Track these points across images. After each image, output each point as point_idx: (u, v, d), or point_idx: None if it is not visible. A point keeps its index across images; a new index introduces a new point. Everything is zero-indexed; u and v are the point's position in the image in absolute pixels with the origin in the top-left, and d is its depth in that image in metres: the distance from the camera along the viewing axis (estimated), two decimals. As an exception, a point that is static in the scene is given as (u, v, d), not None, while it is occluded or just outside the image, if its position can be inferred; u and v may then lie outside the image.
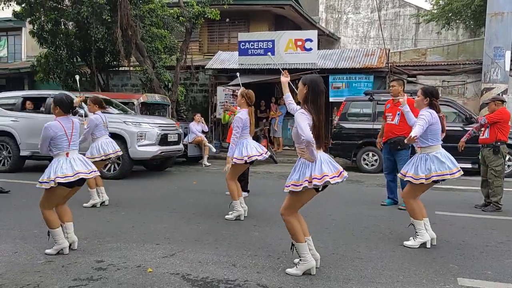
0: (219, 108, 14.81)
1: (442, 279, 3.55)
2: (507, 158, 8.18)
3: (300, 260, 3.64)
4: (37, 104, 10.28)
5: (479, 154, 6.56)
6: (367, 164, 10.33)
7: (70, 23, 14.79)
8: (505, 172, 6.86)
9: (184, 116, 15.06)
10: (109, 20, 12.48)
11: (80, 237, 4.52)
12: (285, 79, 4.02)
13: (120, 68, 16.29)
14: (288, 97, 4.02)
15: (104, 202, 6.35)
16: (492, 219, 5.69)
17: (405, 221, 5.19)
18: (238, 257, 4.03)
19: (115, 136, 8.03)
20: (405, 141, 4.62)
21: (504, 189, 6.31)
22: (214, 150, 12.04)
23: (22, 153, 9.69)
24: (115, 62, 15.81)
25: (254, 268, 3.77)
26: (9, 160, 9.83)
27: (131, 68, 14.92)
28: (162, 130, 9.42)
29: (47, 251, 4.13)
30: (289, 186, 3.57)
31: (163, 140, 9.35)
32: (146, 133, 9.09)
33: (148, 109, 12.35)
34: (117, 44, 12.78)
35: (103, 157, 6.21)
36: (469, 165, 9.57)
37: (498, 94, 11.21)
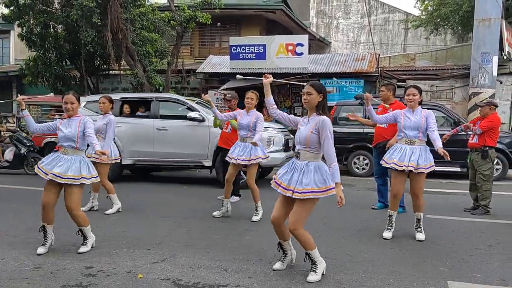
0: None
1: (432, 282, 3.57)
2: (495, 162, 8.26)
3: (316, 264, 3.63)
4: (134, 108, 9.67)
5: (468, 158, 6.62)
6: (358, 168, 10.38)
7: (59, 26, 14.67)
8: (493, 176, 6.92)
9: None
10: (99, 23, 12.41)
11: (69, 243, 4.49)
12: (267, 80, 4.00)
13: (110, 72, 16.19)
14: (270, 100, 4.01)
15: (93, 207, 6.32)
16: (481, 222, 5.74)
17: (397, 224, 5.23)
18: (230, 262, 4.02)
19: None
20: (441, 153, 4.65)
21: (492, 192, 6.37)
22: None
23: (124, 162, 8.69)
24: (105, 66, 15.71)
25: (246, 272, 3.76)
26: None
27: (122, 72, 14.85)
28: (285, 135, 8.94)
29: (84, 249, 4.30)
30: (306, 192, 3.46)
31: (285, 145, 8.83)
32: (274, 138, 8.58)
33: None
34: (107, 47, 12.70)
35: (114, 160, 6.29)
36: (458, 169, 9.68)
37: (491, 97, 11.35)
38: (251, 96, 5.77)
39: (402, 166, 4.81)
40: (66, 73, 15.43)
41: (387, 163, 4.98)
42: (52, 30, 14.57)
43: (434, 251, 4.44)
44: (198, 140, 8.42)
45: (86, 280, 3.57)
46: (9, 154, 10.20)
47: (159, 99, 9.06)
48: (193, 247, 4.50)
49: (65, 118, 4.46)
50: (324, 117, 3.55)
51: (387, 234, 4.92)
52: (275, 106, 4.02)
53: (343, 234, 5.06)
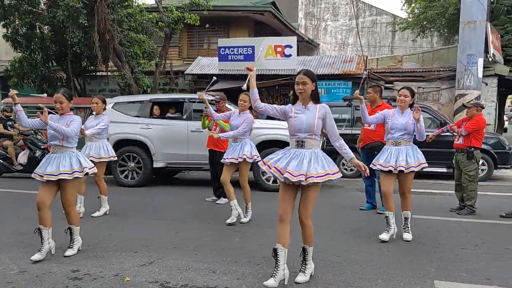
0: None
1: (419, 282, 3.60)
2: (480, 163, 8.37)
3: (306, 264, 3.65)
4: (164, 109, 9.36)
5: (453, 159, 6.70)
6: (346, 169, 10.42)
7: (46, 27, 14.51)
8: (479, 176, 7.00)
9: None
10: (86, 24, 12.30)
11: (55, 246, 4.42)
12: (253, 72, 3.67)
13: (98, 73, 16.04)
14: (255, 93, 3.64)
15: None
16: (467, 222, 5.81)
17: (384, 224, 5.26)
18: (218, 264, 4.00)
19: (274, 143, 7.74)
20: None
21: (478, 192, 6.45)
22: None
23: (156, 165, 8.58)
24: (92, 67, 15.57)
25: (234, 274, 3.75)
26: (137, 173, 8.66)
27: (109, 73, 14.73)
28: None
29: (70, 252, 4.26)
30: (322, 176, 3.45)
31: None
32: None
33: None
34: (94, 48, 12.59)
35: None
36: (444, 169, 9.78)
37: (477, 98, 11.48)
38: (244, 98, 5.71)
39: (388, 167, 4.86)
40: (52, 74, 15.26)
41: (374, 165, 5.04)
42: (38, 31, 14.40)
43: (421, 251, 4.48)
44: None
45: (73, 283, 3.53)
46: (23, 157, 9.82)
47: (192, 100, 8.67)
48: (181, 249, 4.47)
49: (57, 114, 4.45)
50: (325, 104, 3.68)
51: (385, 236, 4.83)
52: (259, 99, 3.71)
53: (331, 235, 5.08)
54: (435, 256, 4.30)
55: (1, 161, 9.97)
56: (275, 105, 3.77)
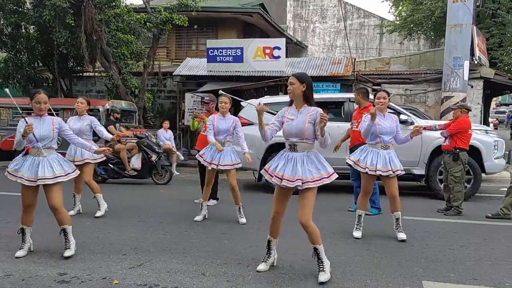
0: (187, 115, 14.69)
1: (408, 282, 3.62)
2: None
3: (323, 262, 3.66)
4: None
5: (442, 160, 6.78)
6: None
7: (31, 26, 14.35)
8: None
9: (151, 123, 14.87)
10: (72, 24, 12.19)
11: (41, 249, 4.37)
12: (259, 107, 3.71)
13: (84, 74, 15.92)
14: (262, 132, 3.81)
15: (79, 210, 6.27)
16: (453, 222, 5.88)
17: (372, 226, 5.30)
18: (208, 266, 3.99)
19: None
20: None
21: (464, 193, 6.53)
22: (182, 157, 11.90)
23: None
24: (79, 67, 15.44)
25: (224, 276, 3.73)
26: None
27: (96, 74, 14.61)
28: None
29: (68, 253, 4.22)
30: (317, 180, 3.52)
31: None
32: (498, 142, 7.83)
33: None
34: (81, 49, 12.49)
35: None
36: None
37: (462, 101, 11.64)
38: (225, 100, 5.69)
39: (376, 171, 4.93)
40: (38, 74, 15.10)
41: (361, 168, 5.05)
42: (23, 30, 14.24)
43: (409, 251, 4.51)
44: (410, 145, 6.66)
45: (60, 287, 3.48)
46: (136, 162, 9.17)
47: (353, 99, 7.88)
48: (170, 251, 4.44)
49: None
50: (317, 108, 3.64)
51: (358, 234, 5.04)
52: (267, 136, 3.83)
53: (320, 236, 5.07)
54: (423, 256, 4.34)
55: (112, 166, 9.32)
56: (273, 124, 3.80)
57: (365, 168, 4.99)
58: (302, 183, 3.53)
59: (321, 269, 3.66)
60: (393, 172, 4.92)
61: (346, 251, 4.52)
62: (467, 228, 5.60)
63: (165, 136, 11.69)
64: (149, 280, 3.64)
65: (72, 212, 5.99)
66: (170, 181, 9.52)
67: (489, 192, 8.48)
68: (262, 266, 3.85)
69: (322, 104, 8.75)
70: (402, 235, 4.95)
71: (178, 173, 11.30)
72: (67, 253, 4.22)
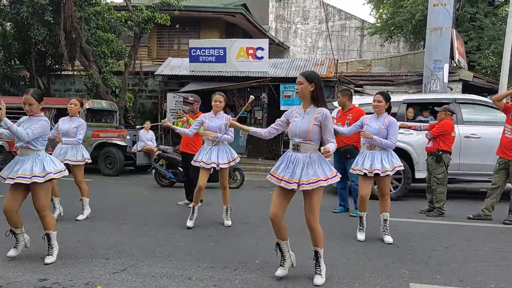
0: (169, 115, 14.52)
1: (395, 284, 3.63)
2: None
3: (321, 266, 3.69)
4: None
5: (426, 161, 6.85)
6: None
7: (8, 23, 13.98)
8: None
9: (133, 123, 14.66)
10: (51, 21, 11.91)
11: (20, 254, 4.23)
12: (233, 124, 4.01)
13: (63, 72, 15.59)
14: (254, 131, 3.94)
15: (60, 213, 6.07)
16: (437, 224, 5.95)
17: (356, 227, 5.31)
18: (194, 270, 3.92)
19: None
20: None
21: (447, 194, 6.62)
22: (163, 158, 11.74)
23: (418, 175, 7.76)
24: (57, 66, 15.11)
25: (211, 280, 3.67)
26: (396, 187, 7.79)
27: (75, 73, 14.32)
28: None
29: (50, 259, 4.10)
30: (313, 183, 3.47)
31: None
32: None
33: (95, 116, 11.88)
34: (60, 47, 12.22)
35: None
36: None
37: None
38: (219, 99, 5.59)
39: (362, 171, 4.95)
40: (15, 73, 14.74)
41: (353, 170, 5.16)
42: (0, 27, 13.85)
43: (394, 253, 4.53)
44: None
45: (41, 293, 3.37)
46: None
47: (460, 101, 7.85)
48: (155, 255, 4.35)
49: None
50: (324, 109, 3.56)
51: (361, 236, 5.03)
52: (263, 133, 3.89)
53: (306, 238, 5.04)
54: (409, 258, 4.37)
55: (182, 170, 8.56)
56: (277, 122, 3.78)
57: (361, 171, 5.03)
58: (298, 185, 3.50)
59: (318, 272, 3.65)
60: (369, 171, 4.94)
61: (333, 253, 4.50)
62: (450, 229, 5.67)
63: (147, 137, 11.53)
64: (134, 285, 3.55)
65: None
66: (242, 184, 9.26)
67: (470, 194, 8.63)
68: (280, 272, 3.69)
69: (426, 105, 8.72)
70: (388, 239, 4.96)
71: (160, 174, 11.14)
72: (48, 259, 4.09)
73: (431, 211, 6.53)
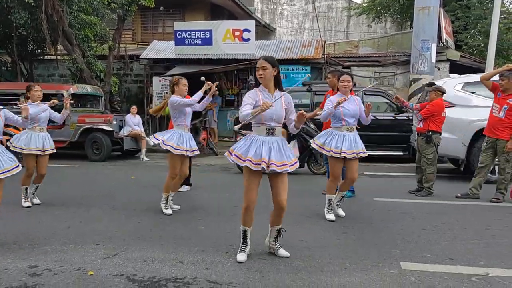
0: (155, 99, 14.36)
1: (386, 264, 3.66)
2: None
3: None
4: None
5: (416, 142, 6.88)
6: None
7: (-13, 7, 13.56)
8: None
9: (119, 108, 14.48)
10: (32, 4, 11.59)
11: (9, 241, 4.16)
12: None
13: (46, 57, 15.25)
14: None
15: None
16: (426, 203, 6.00)
17: (346, 209, 5.34)
18: (185, 254, 3.90)
19: None
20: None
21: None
22: (151, 143, 11.58)
23: None
24: (39, 50, 14.78)
25: (203, 264, 3.66)
26: None
27: (59, 57, 14.03)
28: None
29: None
30: (294, 164, 3.67)
31: None
32: None
33: (80, 101, 11.68)
34: (42, 30, 11.93)
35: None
36: (400, 153, 10.07)
37: (424, 85, 11.85)
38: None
39: (341, 153, 4.93)
40: (-4, 57, 14.37)
41: (326, 151, 5.05)
42: (-22, 11, 13.42)
43: (385, 233, 4.57)
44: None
45: (31, 280, 3.32)
46: (293, 149, 8.00)
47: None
48: (146, 240, 4.33)
49: None
50: (286, 93, 3.71)
51: (331, 216, 5.10)
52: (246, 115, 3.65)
53: (296, 219, 5.07)
54: (399, 237, 4.41)
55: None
56: (247, 105, 3.60)
57: (329, 151, 4.99)
58: (289, 166, 3.61)
59: (280, 246, 3.87)
60: (357, 154, 4.98)
61: (323, 234, 4.53)
62: (439, 208, 5.73)
63: (133, 121, 11.40)
64: (126, 270, 3.53)
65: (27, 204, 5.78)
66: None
67: (457, 173, 8.73)
68: (243, 257, 3.73)
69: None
70: (342, 212, 5.22)
71: (148, 159, 11.07)
72: None
73: (420, 191, 6.58)
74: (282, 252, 3.82)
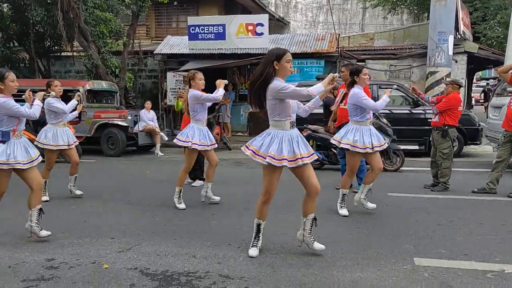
0: (169, 94, 14.44)
1: (399, 259, 3.63)
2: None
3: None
4: None
5: (431, 136, 6.79)
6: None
7: (5, 4, 13.79)
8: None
9: (133, 104, 14.60)
10: (48, 1, 11.73)
11: (27, 235, 4.25)
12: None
13: (63, 54, 15.44)
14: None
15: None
16: (441, 198, 5.93)
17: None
18: (198, 248, 3.94)
19: None
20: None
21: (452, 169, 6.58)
22: (166, 138, 11.74)
23: None
24: (56, 47, 14.96)
25: (215, 258, 3.69)
26: None
27: (75, 54, 14.20)
28: None
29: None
30: (312, 154, 3.68)
31: None
32: None
33: (95, 97, 11.82)
34: (58, 27, 12.06)
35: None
36: (416, 147, 9.94)
37: (447, 76, 11.64)
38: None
39: (374, 148, 4.93)
40: (14, 55, 14.63)
41: (361, 148, 4.92)
42: (-4, 9, 13.67)
43: (398, 228, 4.53)
44: None
45: (48, 273, 3.40)
46: None
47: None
48: (159, 234, 4.38)
49: None
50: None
51: (344, 212, 5.08)
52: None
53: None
54: (413, 233, 4.36)
55: (335, 151, 7.78)
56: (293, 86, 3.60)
57: (365, 148, 4.90)
58: (302, 159, 3.60)
59: (315, 239, 3.78)
60: (381, 145, 4.98)
61: (336, 229, 4.52)
62: (455, 203, 5.66)
63: (148, 117, 11.50)
64: (139, 263, 3.58)
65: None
66: (401, 166, 8.15)
67: (474, 167, 8.60)
68: (255, 252, 3.73)
69: None
70: (371, 204, 5.15)
71: (162, 154, 11.16)
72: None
73: (436, 186, 6.50)
74: (317, 245, 3.74)
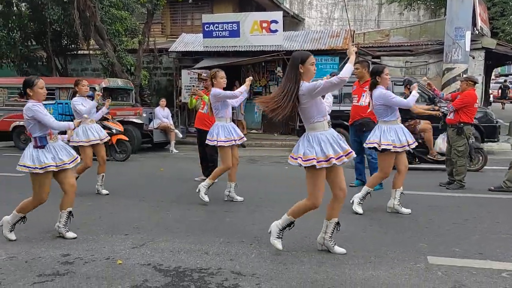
0: (184, 92, 14.52)
1: (412, 258, 3.60)
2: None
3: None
4: None
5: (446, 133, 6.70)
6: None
7: (23, 4, 14.03)
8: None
9: (148, 101, 14.73)
10: (65, 0, 11.89)
11: (43, 231, 4.34)
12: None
13: (79, 52, 15.66)
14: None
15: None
16: (456, 196, 5.85)
17: (373, 202, 5.26)
18: (210, 245, 3.96)
19: None
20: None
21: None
22: (180, 135, 11.83)
23: None
24: (73, 45, 15.18)
25: (227, 255, 3.71)
26: None
27: (91, 52, 14.37)
28: None
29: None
30: (350, 152, 3.62)
31: None
32: None
33: (111, 94, 11.95)
34: (74, 26, 12.24)
35: None
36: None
37: (464, 72, 11.45)
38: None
39: (410, 145, 4.95)
40: (32, 53, 14.87)
41: (400, 148, 4.86)
42: (15, 8, 13.93)
43: (412, 227, 4.49)
44: None
45: (64, 268, 3.46)
46: (442, 144, 7.43)
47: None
48: (172, 231, 4.42)
49: None
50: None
51: (360, 209, 5.03)
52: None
53: (321, 212, 5.03)
54: (427, 231, 4.32)
55: (411, 150, 7.16)
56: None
57: (403, 147, 4.86)
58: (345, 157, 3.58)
59: (335, 242, 3.77)
60: (414, 143, 4.99)
61: (348, 227, 4.48)
62: (470, 201, 5.58)
63: (163, 114, 11.58)
64: (153, 259, 3.62)
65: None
66: (484, 166, 7.87)
67: (491, 165, 8.45)
68: (281, 245, 3.72)
69: None
70: (406, 210, 5.01)
71: (177, 151, 11.24)
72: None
73: (451, 184, 6.41)
74: (338, 249, 3.73)
